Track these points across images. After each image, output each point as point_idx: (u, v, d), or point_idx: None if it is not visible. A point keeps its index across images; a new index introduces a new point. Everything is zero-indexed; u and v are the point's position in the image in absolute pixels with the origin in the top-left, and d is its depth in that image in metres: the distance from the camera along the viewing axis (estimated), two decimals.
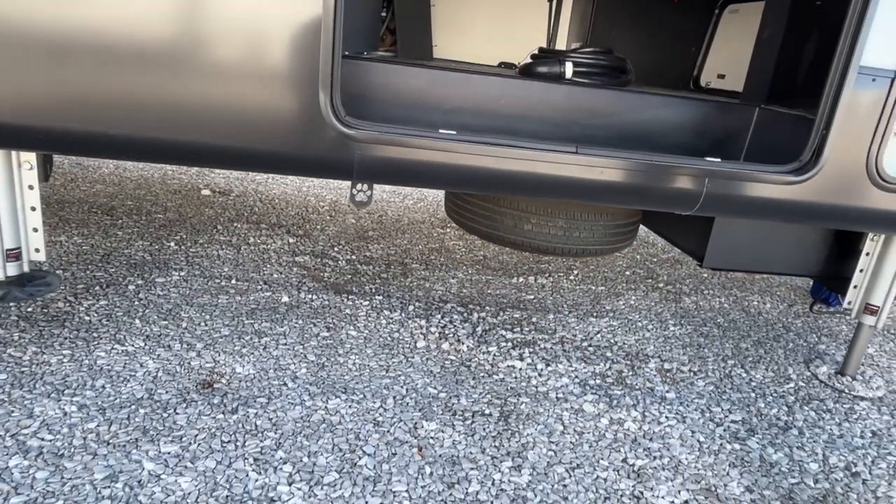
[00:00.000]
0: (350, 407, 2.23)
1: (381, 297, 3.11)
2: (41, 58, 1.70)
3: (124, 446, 1.91)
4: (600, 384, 2.60)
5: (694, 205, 2.16)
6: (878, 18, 1.97)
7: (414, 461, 2.02)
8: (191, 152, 1.88)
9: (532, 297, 3.37)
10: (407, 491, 1.89)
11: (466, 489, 1.93)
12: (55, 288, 2.35)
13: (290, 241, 3.71)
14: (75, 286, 2.81)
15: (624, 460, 2.16)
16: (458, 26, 3.58)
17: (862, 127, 2.11)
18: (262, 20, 1.76)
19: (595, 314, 3.26)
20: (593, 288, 3.62)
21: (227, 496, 1.78)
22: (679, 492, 2.04)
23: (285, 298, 2.96)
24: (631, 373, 2.72)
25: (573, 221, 2.60)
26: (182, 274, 3.07)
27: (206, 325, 2.64)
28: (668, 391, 2.61)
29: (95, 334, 2.46)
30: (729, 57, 3.18)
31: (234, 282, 3.06)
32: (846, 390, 2.80)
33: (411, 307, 3.05)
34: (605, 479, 2.06)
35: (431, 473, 1.98)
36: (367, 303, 3.03)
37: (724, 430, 2.40)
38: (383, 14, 3.26)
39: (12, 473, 1.75)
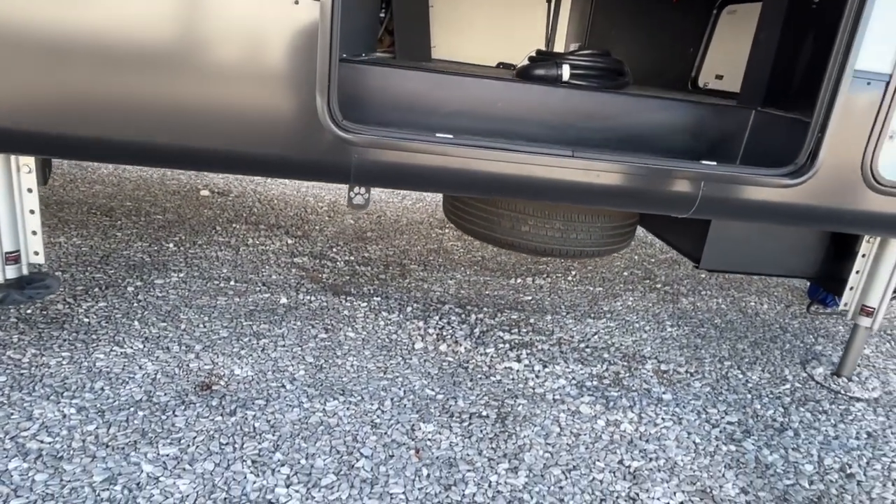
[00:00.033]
0: (348, 409, 2.24)
1: (379, 299, 3.12)
2: (38, 61, 1.71)
3: (123, 448, 1.92)
4: (597, 385, 2.61)
5: (690, 208, 2.17)
6: (873, 22, 1.98)
7: (411, 463, 2.03)
8: (188, 156, 1.89)
9: (530, 298, 3.38)
10: (404, 493, 1.90)
11: (463, 491, 1.94)
12: (54, 290, 2.36)
13: (289, 241, 3.72)
14: (74, 288, 2.82)
15: (620, 462, 2.17)
16: (457, 27, 3.59)
17: (857, 130, 2.12)
18: (260, 24, 1.77)
19: (592, 315, 3.27)
20: (591, 289, 3.63)
21: (225, 498, 1.79)
22: (675, 493, 2.05)
23: (284, 300, 2.97)
24: (628, 374, 2.73)
25: (570, 223, 2.60)
26: (181, 275, 3.08)
27: (205, 326, 2.65)
28: (664, 392, 2.62)
29: (94, 336, 2.47)
30: (727, 57, 3.19)
31: (232, 283, 3.07)
32: (842, 391, 2.81)
33: (409, 308, 3.06)
34: (602, 481, 2.07)
35: (428, 475, 1.99)
36: (365, 304, 3.04)
37: (720, 432, 2.41)
38: (382, 15, 3.26)
39: (12, 476, 1.77)
